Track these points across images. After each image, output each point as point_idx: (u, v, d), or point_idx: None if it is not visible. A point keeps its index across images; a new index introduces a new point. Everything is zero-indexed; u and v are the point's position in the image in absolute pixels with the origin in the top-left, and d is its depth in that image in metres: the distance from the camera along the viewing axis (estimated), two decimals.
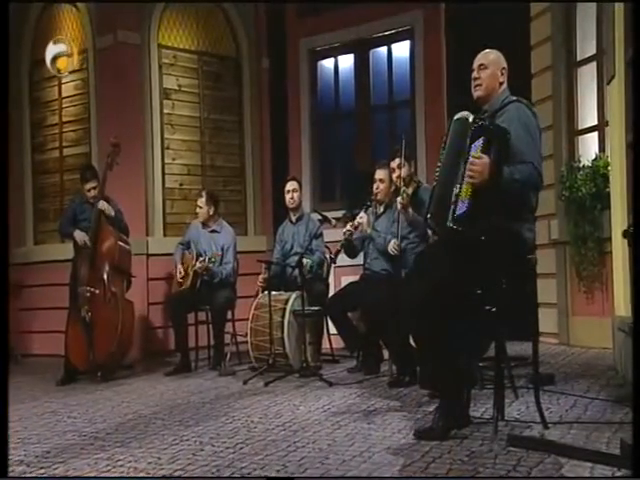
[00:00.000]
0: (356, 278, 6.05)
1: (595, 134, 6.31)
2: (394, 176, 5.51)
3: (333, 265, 6.41)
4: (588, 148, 6.36)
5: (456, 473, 3.01)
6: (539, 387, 3.77)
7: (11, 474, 3.37)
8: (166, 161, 7.70)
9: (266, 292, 5.93)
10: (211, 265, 6.28)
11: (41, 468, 3.51)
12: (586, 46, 6.37)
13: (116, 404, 5.03)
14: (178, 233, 7.28)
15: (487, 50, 3.80)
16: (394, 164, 5.48)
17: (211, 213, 6.70)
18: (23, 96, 8.14)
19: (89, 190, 6.36)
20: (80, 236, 6.27)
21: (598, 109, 6.19)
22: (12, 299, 6.71)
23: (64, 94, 7.90)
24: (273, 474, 3.17)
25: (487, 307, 3.50)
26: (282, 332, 5.85)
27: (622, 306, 4.78)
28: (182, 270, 6.51)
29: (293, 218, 6.58)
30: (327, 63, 8.55)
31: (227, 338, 6.46)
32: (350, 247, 5.86)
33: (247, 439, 3.76)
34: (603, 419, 3.74)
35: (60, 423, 4.50)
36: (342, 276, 7.27)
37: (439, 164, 3.76)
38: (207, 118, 8.07)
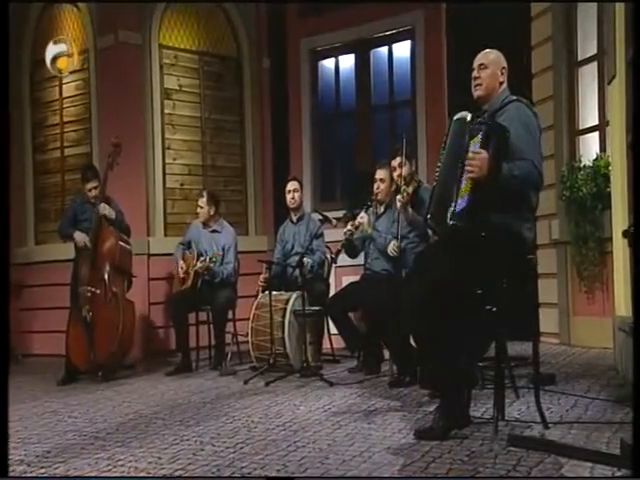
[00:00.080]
0: (357, 278, 6.05)
1: (596, 134, 6.30)
2: (395, 175, 5.51)
3: (334, 265, 6.42)
4: (589, 148, 6.36)
5: (456, 473, 3.01)
6: (540, 387, 3.77)
7: (11, 474, 3.36)
8: (167, 161, 7.70)
9: (267, 292, 5.93)
10: (212, 265, 6.28)
11: (42, 468, 3.51)
12: (587, 46, 6.37)
13: (117, 404, 5.03)
14: (179, 233, 7.28)
15: (487, 50, 3.81)
16: (395, 162, 5.48)
17: (212, 213, 6.70)
18: (24, 96, 8.14)
19: (90, 190, 6.36)
20: (80, 238, 6.27)
21: (599, 109, 6.19)
22: (13, 299, 6.73)
23: (65, 94, 7.90)
24: (273, 474, 3.17)
25: (487, 307, 3.50)
26: (283, 332, 5.85)
27: (623, 306, 4.77)
28: (184, 266, 6.52)
29: (294, 218, 6.58)
30: (328, 63, 8.53)
31: (228, 338, 6.46)
32: (351, 247, 5.85)
33: (247, 439, 3.76)
34: (603, 419, 3.73)
35: (61, 423, 4.51)
36: (343, 276, 7.27)
37: (439, 164, 3.77)
38: (208, 118, 8.07)
